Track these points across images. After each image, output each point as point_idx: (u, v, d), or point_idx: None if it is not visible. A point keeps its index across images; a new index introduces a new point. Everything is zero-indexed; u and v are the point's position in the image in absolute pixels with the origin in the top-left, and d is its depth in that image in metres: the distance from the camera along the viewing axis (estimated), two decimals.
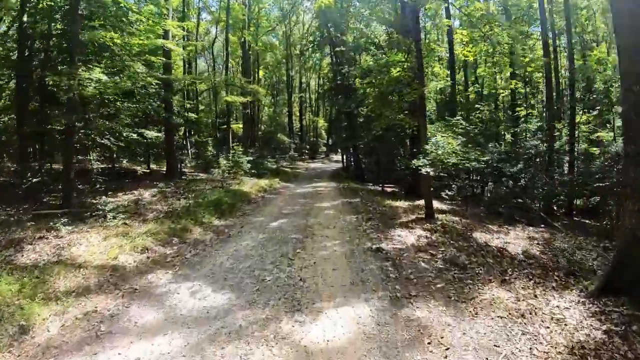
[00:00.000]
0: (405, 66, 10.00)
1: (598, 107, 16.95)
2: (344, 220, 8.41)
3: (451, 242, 6.80)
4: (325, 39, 24.90)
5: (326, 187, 16.23)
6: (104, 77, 9.29)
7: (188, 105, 19.89)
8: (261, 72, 33.76)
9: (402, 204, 11.37)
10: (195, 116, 20.28)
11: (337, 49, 23.02)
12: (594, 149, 16.45)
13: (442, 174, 11.52)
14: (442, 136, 8.33)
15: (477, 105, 14.38)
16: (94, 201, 9.44)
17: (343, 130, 27.71)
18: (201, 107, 25.93)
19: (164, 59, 12.43)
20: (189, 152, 22.88)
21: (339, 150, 37.56)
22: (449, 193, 13.82)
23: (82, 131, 10.70)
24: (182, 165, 17.22)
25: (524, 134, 16.94)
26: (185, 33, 15.80)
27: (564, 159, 14.97)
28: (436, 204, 10.13)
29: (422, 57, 9.28)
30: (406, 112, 12.83)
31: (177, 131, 18.32)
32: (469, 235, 7.69)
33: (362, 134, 21.60)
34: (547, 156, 13.77)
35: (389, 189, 15.56)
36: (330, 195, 13.19)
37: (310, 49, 31.97)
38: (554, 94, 16.18)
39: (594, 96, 18.64)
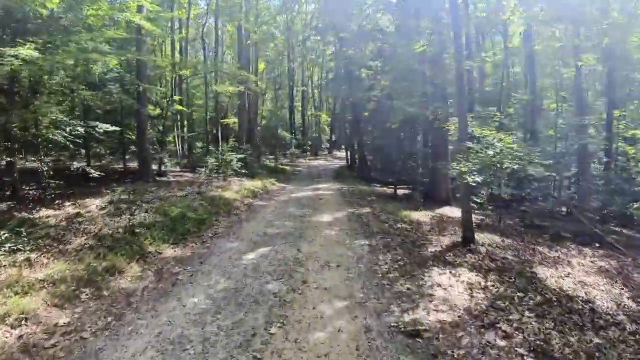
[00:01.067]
0: (432, 37, 7.56)
1: (636, 101, 14.58)
2: (352, 250, 5.98)
3: (518, 294, 4.39)
4: (328, 25, 22.65)
5: (328, 189, 13.86)
6: (35, 54, 6.98)
7: (176, 97, 17.48)
8: (261, 65, 31.41)
9: (423, 215, 9.01)
10: (182, 108, 17.85)
11: (342, 34, 20.73)
12: (630, 147, 14.16)
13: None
14: (490, 132, 5.87)
15: (513, 94, 11.86)
16: (30, 216, 7.15)
17: (347, 125, 25.44)
18: (198, 102, 23.71)
19: (124, 34, 9.97)
20: (179, 149, 20.57)
21: (343, 147, 35.07)
22: (478, 201, 11.48)
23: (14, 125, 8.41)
24: (161, 164, 14.84)
25: (553, 131, 14.63)
26: (159, 11, 13.24)
27: (601, 159, 12.75)
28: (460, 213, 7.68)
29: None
30: (425, 100, 10.51)
31: (156, 125, 15.92)
32: (531, 276, 5.29)
33: (369, 129, 19.20)
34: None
35: (400, 191, 13.17)
36: (333, 202, 10.79)
37: (311, 37, 29.54)
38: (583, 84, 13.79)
39: (632, 88, 16.23)
